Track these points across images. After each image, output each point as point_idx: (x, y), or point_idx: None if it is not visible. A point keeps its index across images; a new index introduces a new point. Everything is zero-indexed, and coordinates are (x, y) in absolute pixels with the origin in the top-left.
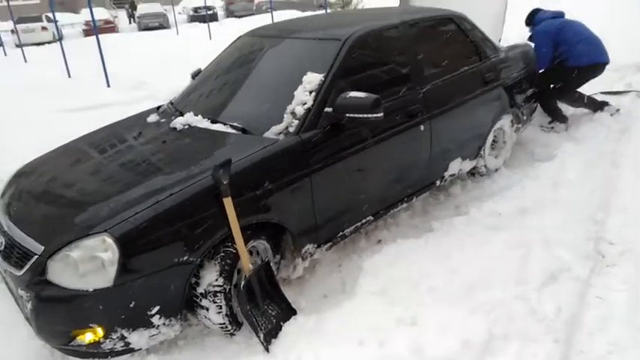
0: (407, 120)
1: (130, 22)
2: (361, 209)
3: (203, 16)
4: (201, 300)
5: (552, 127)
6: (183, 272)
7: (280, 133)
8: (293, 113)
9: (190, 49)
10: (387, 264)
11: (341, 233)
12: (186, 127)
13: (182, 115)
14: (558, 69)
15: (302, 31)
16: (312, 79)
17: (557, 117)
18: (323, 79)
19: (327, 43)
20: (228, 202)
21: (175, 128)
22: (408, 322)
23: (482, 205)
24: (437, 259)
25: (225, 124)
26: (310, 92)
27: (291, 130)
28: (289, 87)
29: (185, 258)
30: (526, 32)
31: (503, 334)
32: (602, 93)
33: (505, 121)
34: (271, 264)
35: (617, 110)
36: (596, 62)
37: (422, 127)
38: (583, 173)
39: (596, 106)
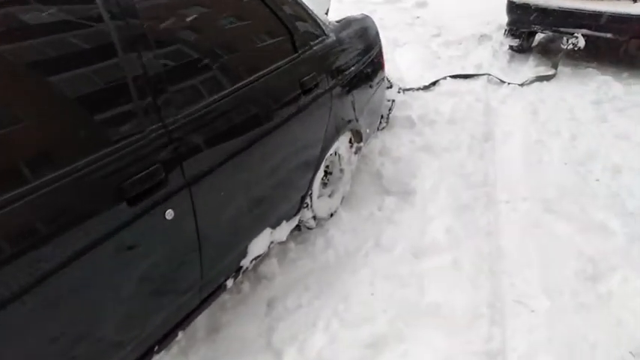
0: (119, 211)
1: None
2: None
3: None
4: None
5: None
6: None
7: None
8: None
9: None
10: None
11: None
12: None
13: None
14: None
15: None
16: None
17: None
18: None
19: None
20: None
21: None
22: None
23: (307, 338)
24: None
25: None
26: None
27: None
28: None
29: None
30: None
31: None
32: (451, 77)
33: (341, 143)
34: None
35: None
36: None
37: (169, 214)
38: (453, 228)
39: None
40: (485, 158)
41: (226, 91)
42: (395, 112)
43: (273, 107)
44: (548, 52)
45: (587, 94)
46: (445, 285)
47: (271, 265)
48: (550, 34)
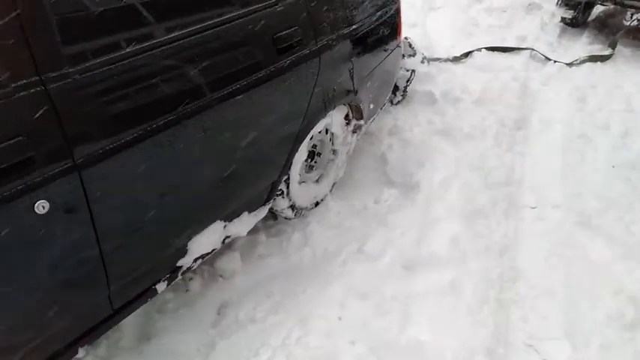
0: None
1: None
2: None
3: None
4: None
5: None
6: None
7: None
8: None
9: None
10: None
11: None
12: None
13: None
14: None
15: None
16: None
17: None
18: None
19: None
20: None
21: None
22: None
23: None
24: None
25: None
26: None
27: None
28: None
29: None
30: None
31: None
32: (487, 49)
33: (335, 118)
34: None
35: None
36: None
37: (41, 206)
38: (459, 238)
39: None
40: (514, 151)
41: (154, 42)
42: (415, 85)
43: (228, 67)
44: (606, 29)
45: None
46: (436, 315)
47: (232, 261)
48: (611, 6)
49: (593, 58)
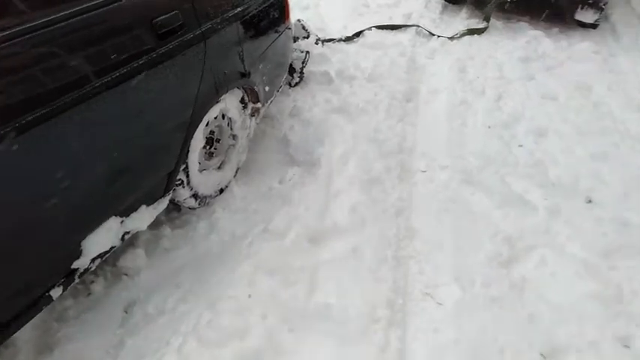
0: None
1: None
2: None
3: None
4: None
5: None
6: None
7: None
8: None
9: None
10: None
11: None
12: None
13: None
14: None
15: None
16: None
17: None
18: None
19: None
20: None
21: None
22: None
23: None
24: None
25: None
26: None
27: None
28: None
29: None
30: None
31: None
32: (376, 27)
33: (230, 103)
34: None
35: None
36: None
37: None
38: (359, 206)
39: None
40: (405, 121)
41: (16, 30)
42: (312, 67)
43: (103, 56)
44: (482, 4)
45: (517, 51)
46: (341, 279)
47: (136, 258)
48: None
49: (471, 32)
